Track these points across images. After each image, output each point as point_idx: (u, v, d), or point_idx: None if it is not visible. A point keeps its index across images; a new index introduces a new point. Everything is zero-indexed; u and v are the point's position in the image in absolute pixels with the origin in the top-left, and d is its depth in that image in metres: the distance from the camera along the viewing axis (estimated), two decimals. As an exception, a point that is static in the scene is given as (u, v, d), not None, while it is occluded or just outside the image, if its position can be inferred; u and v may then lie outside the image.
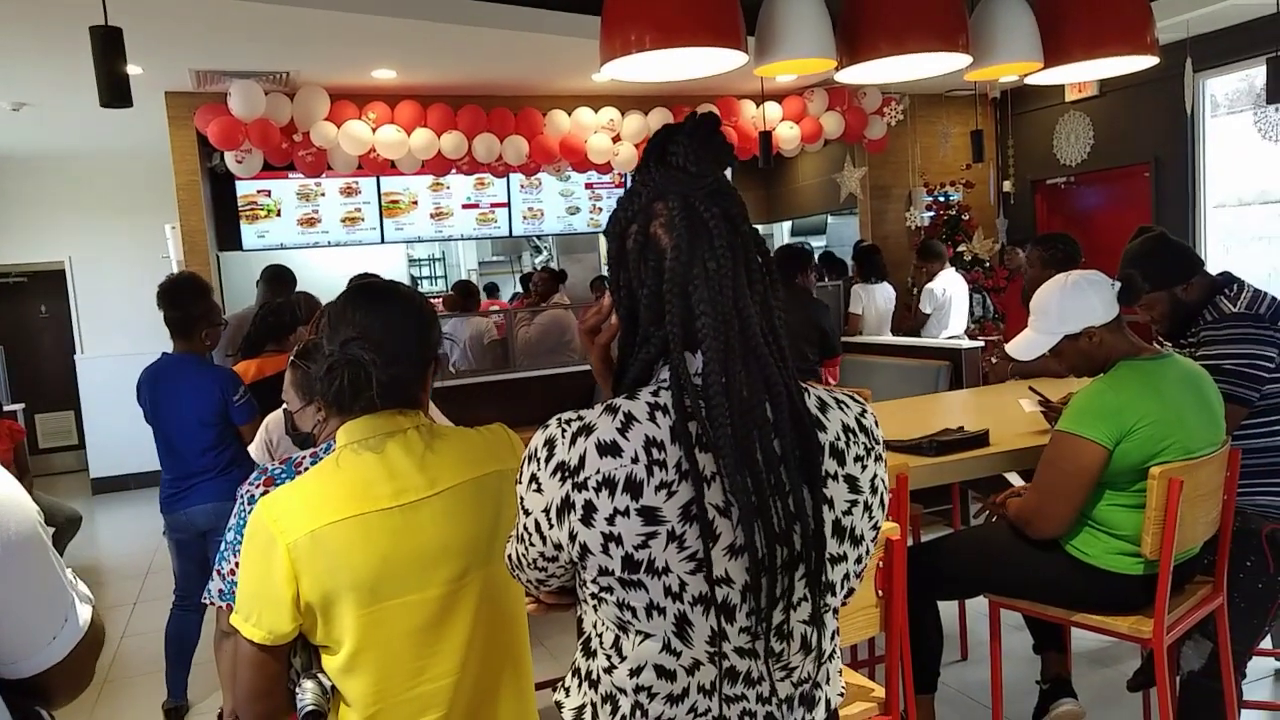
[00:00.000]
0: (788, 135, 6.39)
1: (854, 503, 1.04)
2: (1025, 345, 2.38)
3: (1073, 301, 2.27)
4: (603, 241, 9.00)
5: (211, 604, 1.70)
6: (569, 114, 6.05)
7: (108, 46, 2.57)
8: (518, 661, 1.51)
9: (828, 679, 1.09)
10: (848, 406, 1.08)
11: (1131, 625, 2.20)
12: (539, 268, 8.29)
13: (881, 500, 1.08)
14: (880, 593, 1.77)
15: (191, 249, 5.61)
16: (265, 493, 1.53)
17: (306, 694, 1.33)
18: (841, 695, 1.14)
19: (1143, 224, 2.86)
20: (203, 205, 5.69)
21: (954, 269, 6.14)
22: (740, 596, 0.98)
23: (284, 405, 2.05)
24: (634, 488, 0.95)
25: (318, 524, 1.32)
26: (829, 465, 1.02)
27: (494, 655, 1.46)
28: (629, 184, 1.16)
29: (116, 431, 7.06)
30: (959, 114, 7.15)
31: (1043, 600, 2.33)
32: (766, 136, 5.62)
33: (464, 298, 6.21)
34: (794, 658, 1.02)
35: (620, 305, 1.06)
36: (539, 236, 8.62)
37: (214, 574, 1.69)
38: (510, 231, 7.51)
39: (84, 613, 1.03)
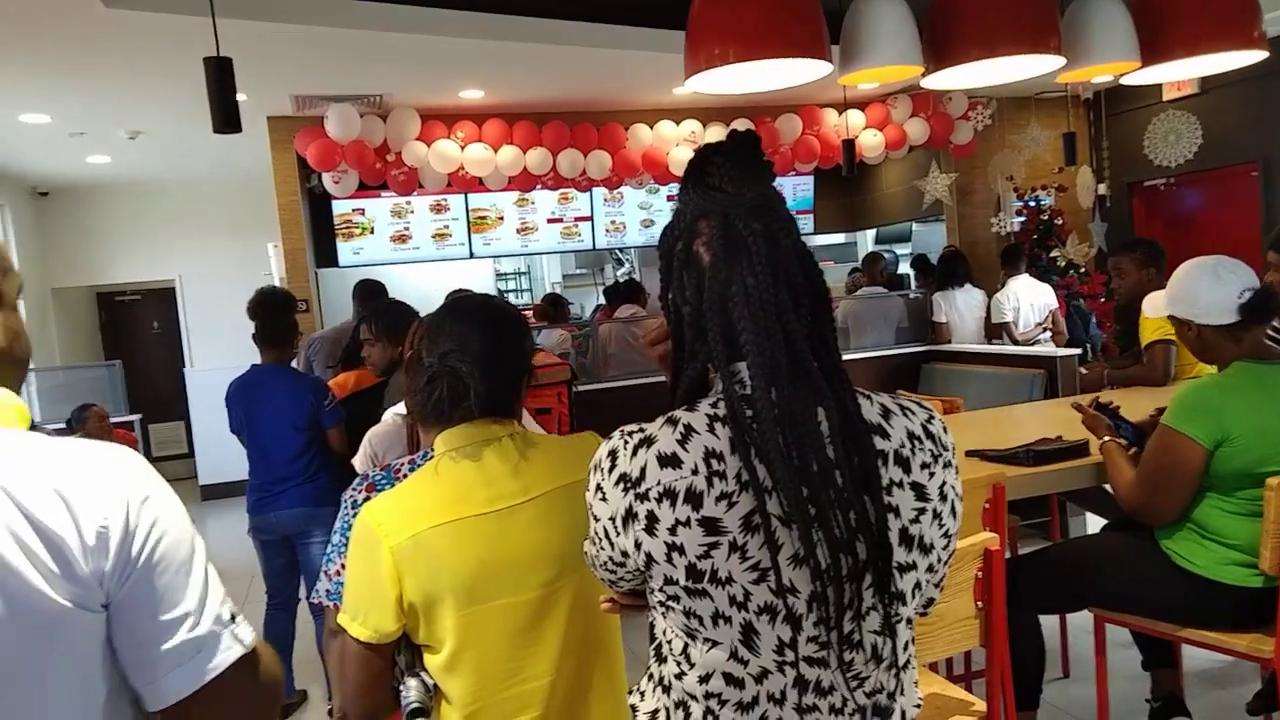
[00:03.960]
0: (871, 143, 6.31)
1: (922, 510, 1.03)
2: (1153, 302, 2.42)
3: (1182, 286, 2.25)
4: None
5: (320, 603, 1.77)
6: (651, 127, 6.10)
7: (220, 76, 2.73)
8: (611, 665, 1.53)
9: (902, 690, 1.09)
10: (913, 413, 1.07)
11: (1250, 644, 2.09)
12: (620, 280, 8.37)
13: (953, 508, 1.07)
14: (979, 604, 1.73)
15: (292, 266, 5.86)
16: (367, 498, 1.59)
17: (411, 691, 1.38)
18: (919, 706, 1.14)
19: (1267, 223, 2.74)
20: (302, 224, 5.94)
21: (1027, 274, 5.93)
22: (807, 606, 0.98)
23: (394, 409, 2.12)
24: (694, 499, 0.97)
25: (419, 528, 1.37)
26: (893, 473, 1.01)
27: (588, 658, 1.48)
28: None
29: (223, 441, 7.37)
30: (1049, 116, 6.94)
31: (1151, 614, 2.24)
32: (850, 145, 5.57)
33: (553, 308, 6.33)
34: (865, 667, 1.02)
35: (670, 321, 1.09)
36: (621, 249, 8.70)
37: (322, 574, 1.76)
38: (594, 244, 7.60)
39: (245, 634, 0.94)
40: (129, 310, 8.98)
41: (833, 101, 6.30)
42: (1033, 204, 6.84)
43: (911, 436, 1.05)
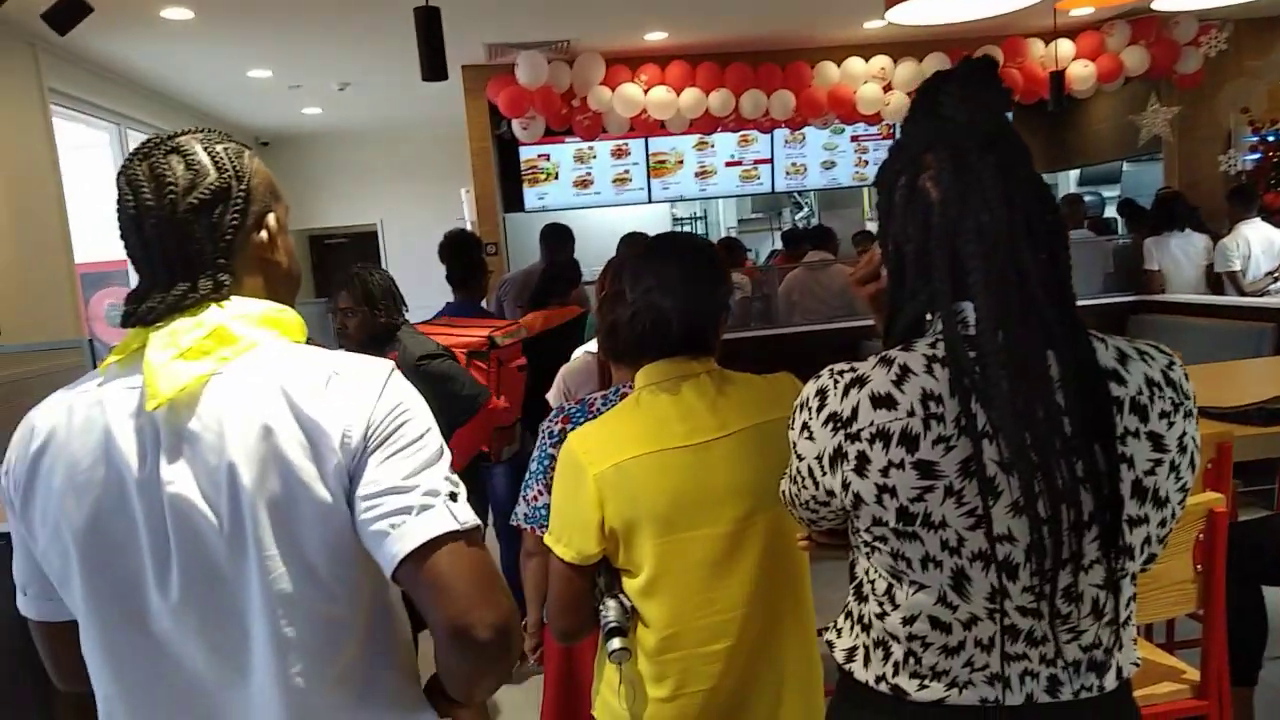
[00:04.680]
0: (1081, 74, 5.82)
1: (1158, 462, 0.97)
2: None
3: None
4: (865, 195, 8.56)
5: (518, 526, 1.89)
6: (838, 65, 5.90)
7: (429, 25, 2.86)
8: (800, 601, 1.55)
9: (1120, 645, 1.04)
10: (1152, 358, 1.00)
11: None
12: (799, 224, 8.21)
13: (1191, 460, 1.00)
14: (1198, 567, 1.62)
15: (483, 211, 6.13)
16: (563, 429, 1.67)
17: (610, 611, 1.45)
18: (1136, 665, 1.08)
19: None
20: (492, 170, 6.18)
21: (1259, 218, 5.28)
22: (1024, 555, 0.95)
23: (584, 347, 2.21)
24: (910, 441, 0.95)
25: (621, 457, 1.43)
26: (1129, 422, 0.95)
27: (778, 593, 1.50)
28: (897, 135, 1.12)
29: (419, 375, 7.95)
30: (1298, 38, 6.14)
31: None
32: (1057, 77, 5.17)
33: (728, 253, 6.31)
34: (1083, 621, 0.98)
35: (888, 258, 1.05)
36: (800, 192, 8.52)
37: (520, 499, 1.87)
38: (773, 188, 7.51)
39: (462, 512, 0.96)
40: (337, 252, 9.69)
41: (1039, 30, 5.84)
42: (1271, 139, 6.11)
43: (1150, 383, 0.98)
